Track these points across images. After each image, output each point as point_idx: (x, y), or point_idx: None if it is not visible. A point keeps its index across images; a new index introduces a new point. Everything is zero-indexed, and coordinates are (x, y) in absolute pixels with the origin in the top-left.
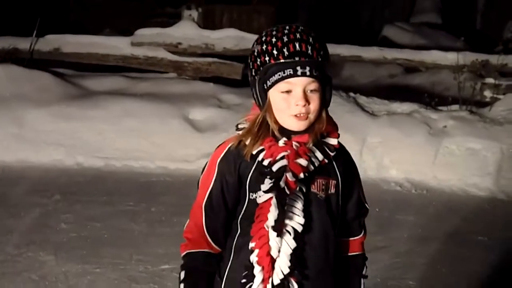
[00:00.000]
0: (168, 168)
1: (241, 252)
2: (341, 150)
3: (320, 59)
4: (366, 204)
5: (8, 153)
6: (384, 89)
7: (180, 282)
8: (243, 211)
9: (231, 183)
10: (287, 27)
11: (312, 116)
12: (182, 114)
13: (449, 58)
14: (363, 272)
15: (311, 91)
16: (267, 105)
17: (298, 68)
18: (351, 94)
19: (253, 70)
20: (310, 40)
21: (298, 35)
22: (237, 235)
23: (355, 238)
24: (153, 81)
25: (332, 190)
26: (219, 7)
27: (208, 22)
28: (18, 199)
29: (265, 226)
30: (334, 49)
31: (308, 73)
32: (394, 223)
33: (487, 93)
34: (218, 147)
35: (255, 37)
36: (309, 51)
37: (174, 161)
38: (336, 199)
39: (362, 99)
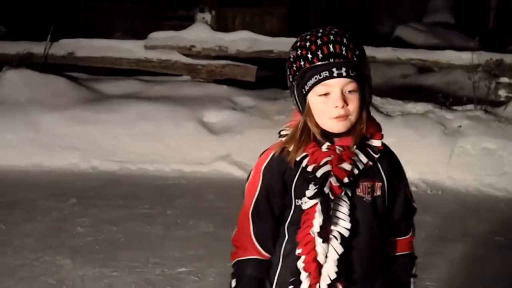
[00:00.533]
0: (183, 171)
1: (289, 258)
2: (385, 151)
3: (355, 59)
4: (413, 204)
5: (23, 157)
6: (398, 89)
7: None
8: (289, 217)
9: (277, 190)
10: (321, 30)
11: (352, 117)
12: (196, 117)
13: (463, 58)
14: (413, 271)
15: (349, 92)
16: (307, 109)
17: (334, 69)
18: (372, 96)
19: (291, 76)
20: (344, 41)
21: (331, 37)
22: (285, 242)
23: (403, 238)
24: (167, 84)
25: (378, 192)
26: (232, 10)
27: (221, 25)
28: (34, 204)
29: (310, 232)
30: None
31: (344, 74)
32: None
33: (502, 93)
34: (261, 154)
35: (268, 39)
36: (344, 52)
37: (189, 164)
38: (383, 201)
39: (376, 100)
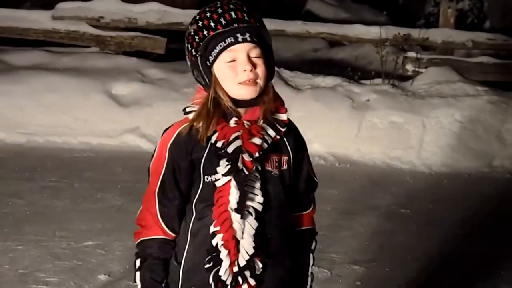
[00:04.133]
0: (91, 143)
1: (198, 236)
2: (290, 125)
3: (258, 25)
4: (315, 178)
5: None
6: (308, 63)
7: (135, 271)
8: (197, 194)
9: (183, 168)
10: (219, 2)
11: (260, 82)
12: (105, 89)
13: (372, 32)
14: (312, 247)
15: (255, 57)
16: (214, 80)
17: (238, 35)
18: (275, 68)
19: (193, 50)
20: (244, 8)
21: (231, 6)
22: (192, 219)
23: (306, 212)
24: (75, 56)
25: (285, 166)
26: None
27: None
28: None
29: (228, 208)
30: None
31: (249, 39)
32: (317, 197)
33: (409, 67)
34: (165, 131)
35: (178, 11)
36: (246, 17)
37: (97, 137)
38: (289, 175)
39: (285, 73)
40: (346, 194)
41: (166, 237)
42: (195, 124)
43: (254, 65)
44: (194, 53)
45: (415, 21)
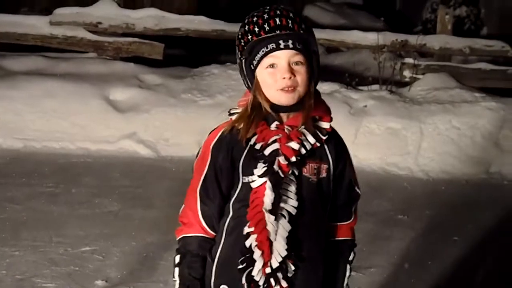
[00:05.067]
0: (88, 149)
1: (233, 234)
2: (333, 134)
3: (302, 32)
4: (357, 189)
5: None
6: None
7: (175, 266)
8: (235, 194)
9: (225, 168)
10: (268, 7)
11: (300, 89)
12: (102, 95)
13: (370, 38)
14: (350, 258)
15: (296, 63)
16: (256, 84)
17: (281, 41)
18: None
19: (239, 53)
20: (291, 15)
21: (278, 12)
22: (228, 218)
23: (345, 223)
24: (73, 61)
25: (324, 174)
26: None
27: (128, 1)
28: None
29: (263, 209)
30: None
31: (291, 46)
32: None
33: (407, 73)
34: (211, 132)
35: (176, 16)
36: (290, 24)
37: (94, 142)
38: (328, 183)
39: None
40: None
41: (206, 235)
42: (236, 125)
43: (293, 73)
44: (239, 56)
45: (412, 27)
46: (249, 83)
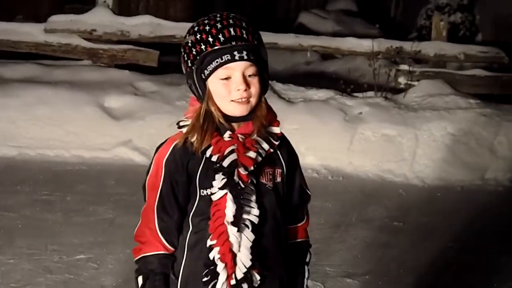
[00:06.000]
0: (83, 156)
1: (195, 249)
2: (283, 138)
3: (255, 42)
4: (307, 190)
5: None
6: (301, 76)
7: None
8: (194, 208)
9: (181, 182)
10: (218, 15)
11: (253, 100)
12: (97, 102)
13: (364, 45)
14: (307, 260)
15: (250, 75)
16: (208, 94)
17: (236, 53)
18: (269, 83)
19: (189, 61)
20: (244, 24)
21: (231, 21)
22: (189, 232)
23: (299, 224)
24: (67, 69)
25: (278, 179)
26: None
27: (123, 9)
28: None
29: (225, 222)
30: None
31: (245, 57)
32: (311, 210)
33: (402, 80)
34: (160, 146)
35: (171, 23)
36: (245, 35)
37: (89, 150)
38: (282, 187)
39: (278, 86)
40: (339, 207)
41: (166, 252)
42: (189, 137)
43: (248, 84)
44: (190, 64)
45: (407, 34)
46: (200, 93)
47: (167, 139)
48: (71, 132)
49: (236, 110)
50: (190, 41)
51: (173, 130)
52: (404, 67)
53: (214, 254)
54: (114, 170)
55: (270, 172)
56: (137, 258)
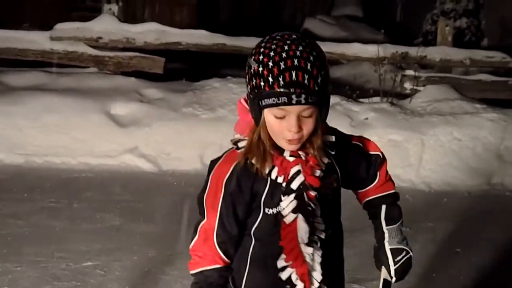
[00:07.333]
0: (90, 163)
1: (260, 263)
2: (336, 142)
3: (316, 88)
4: (378, 153)
5: None
6: None
7: None
8: (256, 224)
9: (243, 202)
10: (287, 44)
11: (305, 137)
12: (103, 109)
13: (370, 50)
14: (382, 214)
15: (305, 116)
16: (262, 122)
17: (294, 96)
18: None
19: (248, 86)
20: (308, 67)
21: (296, 61)
22: (251, 245)
23: (371, 186)
24: (73, 76)
25: (335, 184)
26: (141, 0)
27: (128, 16)
28: None
29: (300, 243)
30: (255, 43)
31: (303, 101)
32: None
33: (407, 85)
34: (218, 164)
35: (176, 30)
36: (306, 81)
37: (96, 157)
38: (338, 190)
39: None
40: (347, 212)
41: (224, 265)
42: (249, 157)
43: (301, 126)
44: (249, 88)
45: (413, 39)
46: (255, 116)
47: (223, 156)
48: (78, 140)
49: (287, 147)
50: (252, 68)
51: (179, 137)
52: (410, 72)
53: (290, 274)
54: (121, 177)
55: (328, 181)
56: (194, 271)
